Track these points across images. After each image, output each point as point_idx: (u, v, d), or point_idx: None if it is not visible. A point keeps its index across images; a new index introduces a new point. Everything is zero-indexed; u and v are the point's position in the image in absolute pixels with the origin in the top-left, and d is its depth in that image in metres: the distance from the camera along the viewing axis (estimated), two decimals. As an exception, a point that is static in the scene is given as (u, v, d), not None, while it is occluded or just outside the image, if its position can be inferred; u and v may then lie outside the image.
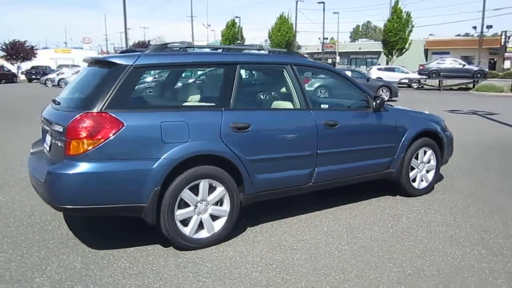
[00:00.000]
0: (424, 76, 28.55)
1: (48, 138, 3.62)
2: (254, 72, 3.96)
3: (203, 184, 3.44)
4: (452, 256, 3.42)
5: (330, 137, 4.09)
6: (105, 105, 3.12)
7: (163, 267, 3.20)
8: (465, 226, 4.06)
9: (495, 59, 46.79)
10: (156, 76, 3.73)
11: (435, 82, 27.93)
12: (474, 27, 44.53)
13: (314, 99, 4.12)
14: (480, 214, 4.38)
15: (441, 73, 27.92)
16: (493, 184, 5.50)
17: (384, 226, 4.07)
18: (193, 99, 3.74)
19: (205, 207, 3.51)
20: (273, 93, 4.27)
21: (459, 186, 5.36)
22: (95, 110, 3.11)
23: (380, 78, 24.18)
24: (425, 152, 4.94)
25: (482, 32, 34.37)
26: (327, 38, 56.91)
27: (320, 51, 54.16)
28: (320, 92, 11.56)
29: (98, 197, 3.13)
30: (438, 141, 5.03)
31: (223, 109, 3.56)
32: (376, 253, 3.48)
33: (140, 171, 3.17)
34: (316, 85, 13.13)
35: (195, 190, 3.43)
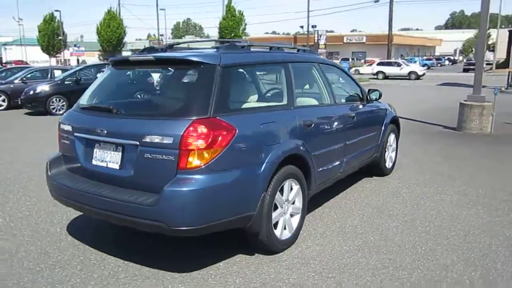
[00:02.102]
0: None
1: (107, 153, 3.05)
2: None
3: (288, 184, 3.42)
4: (474, 217, 4.20)
5: (352, 128, 4.47)
6: (213, 110, 2.84)
7: (279, 273, 3.11)
8: (451, 193, 4.96)
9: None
10: (238, 75, 3.48)
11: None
12: (302, 26, 50.17)
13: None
14: (447, 183, 5.37)
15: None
16: (427, 159, 6.70)
17: (399, 202, 4.66)
18: (268, 99, 3.62)
19: (287, 207, 3.49)
20: (308, 90, 4.39)
21: (406, 164, 6.34)
22: (205, 115, 2.79)
23: None
24: (390, 136, 5.74)
25: (308, 30, 39.17)
26: (158, 35, 55.95)
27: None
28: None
29: (217, 212, 2.85)
30: (398, 126, 5.91)
31: (292, 107, 3.57)
32: (423, 224, 4.03)
33: (252, 177, 3.00)
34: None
35: (281, 191, 3.38)
